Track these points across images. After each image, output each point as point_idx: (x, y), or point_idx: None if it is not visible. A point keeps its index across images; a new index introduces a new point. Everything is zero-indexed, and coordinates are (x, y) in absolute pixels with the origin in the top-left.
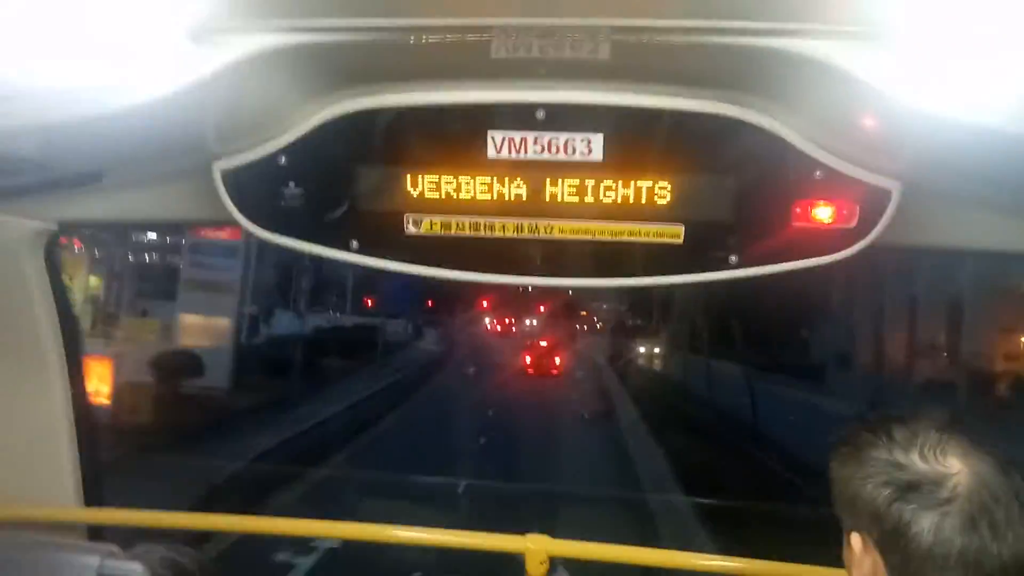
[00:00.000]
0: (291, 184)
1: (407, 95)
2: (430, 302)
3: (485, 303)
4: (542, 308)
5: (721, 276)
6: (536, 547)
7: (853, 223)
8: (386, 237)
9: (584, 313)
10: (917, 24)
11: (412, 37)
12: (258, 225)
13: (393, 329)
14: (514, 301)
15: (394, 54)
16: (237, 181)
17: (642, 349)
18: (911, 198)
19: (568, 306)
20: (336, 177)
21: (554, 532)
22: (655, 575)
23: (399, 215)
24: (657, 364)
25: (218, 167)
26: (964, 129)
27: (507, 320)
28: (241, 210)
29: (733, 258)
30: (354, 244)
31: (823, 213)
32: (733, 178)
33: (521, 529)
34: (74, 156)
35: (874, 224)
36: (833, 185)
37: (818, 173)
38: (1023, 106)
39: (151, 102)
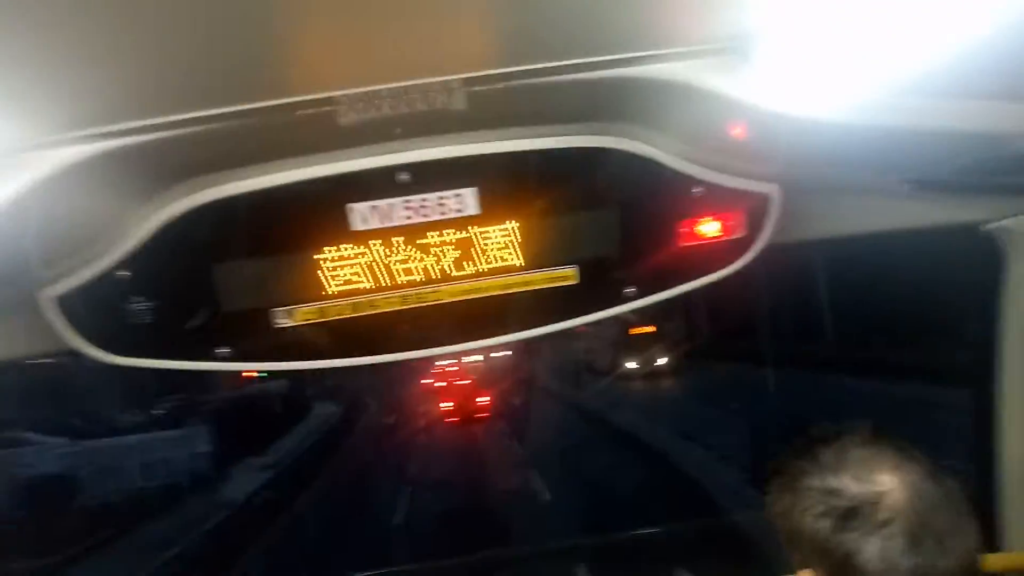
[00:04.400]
0: (137, 298)
1: (252, 180)
2: None
3: None
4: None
5: (622, 309)
6: None
7: (741, 232)
8: (255, 336)
9: None
10: (768, 37)
11: (245, 121)
12: (107, 350)
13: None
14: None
15: (228, 140)
16: (74, 306)
17: (633, 363)
18: (791, 198)
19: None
20: (188, 281)
21: None
22: None
23: (266, 310)
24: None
25: (49, 294)
26: (823, 126)
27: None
28: (85, 337)
29: (631, 289)
30: (220, 351)
31: (710, 228)
32: (616, 209)
33: None
34: None
35: (760, 229)
36: (714, 199)
37: (698, 190)
38: (868, 100)
39: None
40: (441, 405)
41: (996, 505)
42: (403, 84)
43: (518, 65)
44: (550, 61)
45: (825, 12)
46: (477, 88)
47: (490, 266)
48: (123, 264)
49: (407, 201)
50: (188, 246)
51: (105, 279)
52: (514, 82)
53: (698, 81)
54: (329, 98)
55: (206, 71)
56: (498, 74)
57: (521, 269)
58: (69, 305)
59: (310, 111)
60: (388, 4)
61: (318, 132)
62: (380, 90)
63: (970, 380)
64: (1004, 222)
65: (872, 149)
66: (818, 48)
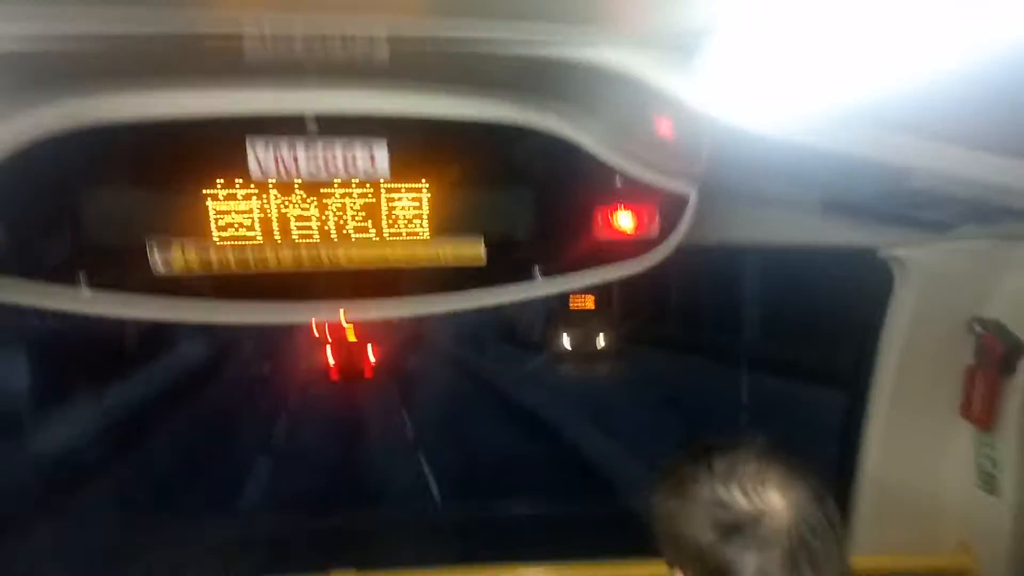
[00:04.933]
0: None
1: (139, 102)
2: None
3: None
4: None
5: (528, 293)
6: None
7: (653, 229)
8: (127, 275)
9: None
10: (713, 39)
11: (139, 36)
12: None
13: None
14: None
15: (120, 55)
16: None
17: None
18: (707, 202)
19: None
20: (52, 206)
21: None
22: None
23: (142, 248)
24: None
25: None
26: (750, 136)
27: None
28: None
29: (538, 270)
30: (78, 291)
31: (624, 221)
32: (531, 188)
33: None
34: None
35: (674, 229)
36: (632, 192)
37: (617, 180)
38: (795, 118)
39: None
40: (323, 360)
41: (849, 508)
42: (322, 31)
43: (447, 23)
44: (481, 26)
45: (770, 25)
46: (402, 42)
47: (394, 231)
48: None
49: (312, 151)
50: (59, 168)
51: None
52: (442, 42)
53: (634, 72)
54: (238, 34)
55: None
56: (426, 34)
57: (426, 240)
58: None
59: (216, 44)
60: None
61: (222, 62)
62: (296, 33)
63: (848, 386)
64: (895, 250)
65: (791, 165)
66: (757, 59)
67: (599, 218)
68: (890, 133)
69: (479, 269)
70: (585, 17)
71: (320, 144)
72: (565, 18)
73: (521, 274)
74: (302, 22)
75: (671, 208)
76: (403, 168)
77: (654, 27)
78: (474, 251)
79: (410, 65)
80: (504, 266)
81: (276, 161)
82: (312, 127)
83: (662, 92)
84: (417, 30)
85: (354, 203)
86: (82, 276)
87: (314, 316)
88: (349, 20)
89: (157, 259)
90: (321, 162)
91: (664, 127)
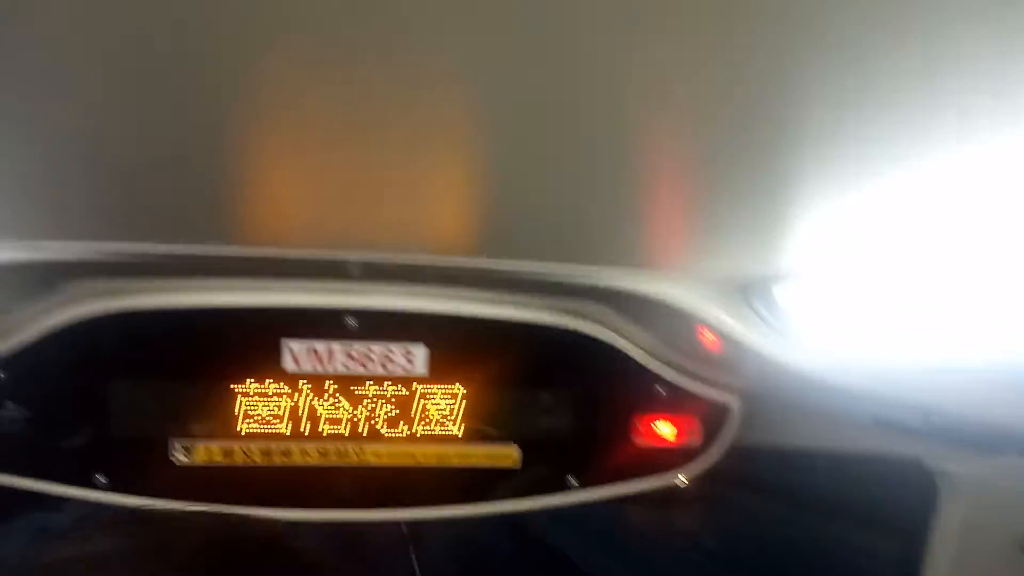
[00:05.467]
0: (10, 404)
1: (178, 295)
2: None
3: None
4: None
5: (561, 501)
6: None
7: (695, 437)
8: (144, 468)
9: None
10: (763, 281)
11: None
12: None
13: None
14: None
15: (159, 261)
16: None
17: None
18: (750, 409)
19: None
20: (78, 395)
21: None
22: None
23: (163, 441)
24: None
25: None
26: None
27: None
28: None
29: (572, 479)
30: (100, 479)
31: (664, 429)
32: (570, 392)
33: None
34: None
35: (716, 437)
36: (674, 400)
37: (659, 388)
38: (842, 352)
39: None
40: None
41: None
42: (366, 257)
43: (492, 258)
44: (531, 265)
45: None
46: (448, 269)
47: (426, 431)
48: (2, 363)
49: (350, 348)
50: (85, 355)
51: None
52: (488, 272)
53: (683, 302)
54: (283, 259)
55: (149, 206)
56: (472, 267)
57: (459, 440)
58: None
59: (254, 262)
60: (365, 173)
61: (262, 265)
62: (341, 255)
63: None
64: (943, 464)
65: (839, 388)
66: (812, 301)
67: (639, 425)
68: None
69: (511, 474)
70: (637, 262)
71: (357, 343)
72: (618, 262)
73: (555, 482)
74: (344, 245)
75: (714, 417)
76: (440, 368)
77: (707, 271)
78: (507, 456)
79: (451, 270)
80: (538, 473)
81: (311, 358)
82: (351, 325)
83: (710, 320)
84: (465, 263)
85: (387, 401)
86: (100, 464)
87: (340, 516)
88: (392, 247)
89: (178, 452)
90: (357, 361)
91: (710, 341)
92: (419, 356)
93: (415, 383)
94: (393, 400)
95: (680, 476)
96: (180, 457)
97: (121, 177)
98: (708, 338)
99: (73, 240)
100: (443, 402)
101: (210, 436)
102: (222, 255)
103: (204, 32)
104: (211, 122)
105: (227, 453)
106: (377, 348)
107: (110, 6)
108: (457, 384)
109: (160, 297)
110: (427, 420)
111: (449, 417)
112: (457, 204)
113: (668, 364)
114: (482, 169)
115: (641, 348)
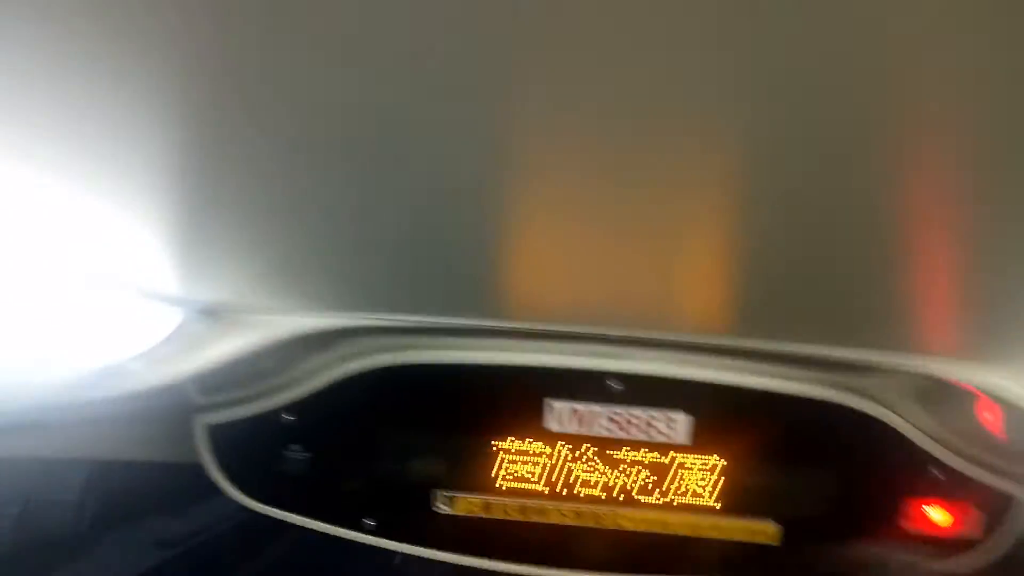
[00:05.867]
0: (295, 447)
1: (451, 352)
2: None
3: None
4: None
5: None
6: None
7: (974, 527)
8: (408, 515)
9: None
10: None
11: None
12: (244, 492)
13: None
14: None
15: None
16: (224, 439)
17: None
18: None
19: None
20: (353, 442)
21: None
22: None
23: (427, 490)
24: None
25: (202, 421)
26: None
27: None
28: (225, 472)
29: (835, 564)
30: (367, 523)
31: (938, 516)
32: (836, 471)
33: None
34: None
35: (996, 530)
36: (950, 486)
37: (934, 471)
38: None
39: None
40: None
41: None
42: (625, 333)
43: (755, 338)
44: (789, 343)
45: None
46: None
47: (681, 500)
48: (289, 408)
49: (613, 412)
50: (362, 405)
51: (264, 420)
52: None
53: (965, 379)
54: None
55: (415, 280)
56: (729, 342)
57: (715, 512)
58: (218, 436)
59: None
60: (623, 250)
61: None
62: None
63: None
64: None
65: None
66: None
67: (910, 510)
68: None
69: (768, 551)
70: (910, 348)
71: (619, 407)
72: (889, 347)
73: (817, 563)
74: (606, 322)
75: (996, 506)
76: (701, 438)
77: (983, 355)
78: (765, 532)
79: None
80: (797, 552)
81: (573, 419)
82: (614, 388)
83: (997, 401)
84: (725, 343)
85: (644, 467)
86: (369, 508)
87: None
88: (648, 327)
89: (442, 500)
90: (618, 424)
91: (994, 424)
92: (681, 424)
93: (673, 451)
94: (650, 467)
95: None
96: (442, 507)
97: (390, 252)
98: (990, 420)
99: (345, 312)
100: (701, 472)
101: (471, 489)
102: (484, 327)
103: (470, 104)
104: (474, 197)
105: (486, 506)
106: (639, 413)
107: (380, 87)
108: (716, 455)
109: (431, 353)
110: (683, 490)
111: (706, 488)
112: (718, 282)
113: (945, 446)
114: (747, 246)
115: (917, 427)
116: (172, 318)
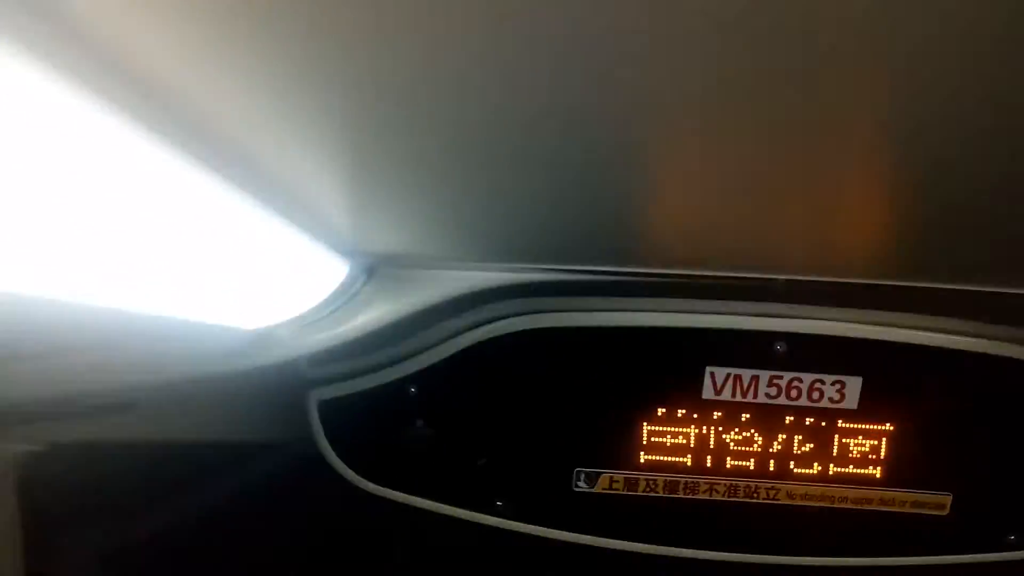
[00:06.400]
0: (418, 423)
1: (595, 314)
2: None
3: None
4: None
5: (997, 558)
6: None
7: None
8: (545, 496)
9: None
10: None
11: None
12: (361, 474)
13: None
14: None
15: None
16: (339, 415)
17: None
18: None
19: None
20: (481, 416)
21: None
22: None
23: (566, 468)
24: None
25: (316, 396)
26: None
27: None
28: (339, 452)
29: (1012, 536)
30: (500, 505)
31: None
32: (1014, 442)
33: None
34: None
35: None
36: None
37: None
38: None
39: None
40: None
41: None
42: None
43: (925, 281)
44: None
45: None
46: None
47: (843, 472)
48: (412, 381)
49: (776, 377)
50: (496, 375)
51: (385, 393)
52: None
53: None
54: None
55: (565, 230)
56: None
57: (882, 483)
58: (331, 413)
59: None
60: (788, 191)
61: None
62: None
63: None
64: None
65: None
66: None
67: None
68: None
69: (939, 524)
70: None
71: (786, 369)
72: None
73: (991, 538)
74: (770, 267)
75: None
76: (870, 404)
77: None
78: (937, 503)
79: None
80: (971, 526)
81: (732, 384)
82: (780, 349)
83: None
84: (895, 283)
85: (807, 437)
86: (502, 489)
87: (745, 558)
88: (818, 270)
89: (580, 480)
90: (783, 389)
91: None
92: (852, 389)
93: (840, 419)
94: (813, 435)
95: None
96: (582, 485)
97: (537, 202)
98: None
99: (490, 264)
100: (868, 441)
101: (613, 465)
102: (640, 279)
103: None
104: (629, 138)
105: (630, 483)
106: (806, 377)
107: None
108: (888, 422)
109: (575, 316)
110: (848, 460)
111: (874, 457)
112: (885, 222)
113: None
114: (914, 184)
115: None
116: (324, 283)
